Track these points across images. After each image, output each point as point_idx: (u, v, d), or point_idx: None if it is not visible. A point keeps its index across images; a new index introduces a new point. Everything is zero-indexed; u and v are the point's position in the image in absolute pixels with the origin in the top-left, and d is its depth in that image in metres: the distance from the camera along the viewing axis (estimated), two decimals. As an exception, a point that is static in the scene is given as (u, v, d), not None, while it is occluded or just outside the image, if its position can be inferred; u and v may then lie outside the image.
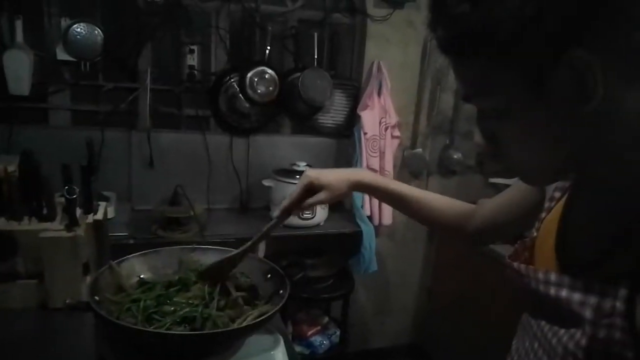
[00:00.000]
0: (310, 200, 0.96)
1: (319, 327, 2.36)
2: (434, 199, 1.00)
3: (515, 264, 0.64)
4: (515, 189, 0.87)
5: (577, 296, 0.54)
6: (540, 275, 0.59)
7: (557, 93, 0.49)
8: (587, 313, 0.52)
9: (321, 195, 0.95)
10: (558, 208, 0.66)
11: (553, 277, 0.57)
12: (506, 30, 0.47)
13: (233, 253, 0.95)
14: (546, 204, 0.70)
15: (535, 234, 0.69)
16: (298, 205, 0.96)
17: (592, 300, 0.52)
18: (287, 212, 0.96)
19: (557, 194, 0.68)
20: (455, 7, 0.49)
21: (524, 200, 0.83)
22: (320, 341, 2.30)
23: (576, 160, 0.55)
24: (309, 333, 2.31)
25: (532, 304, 0.66)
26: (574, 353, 0.54)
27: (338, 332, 2.37)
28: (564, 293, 0.55)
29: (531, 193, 0.81)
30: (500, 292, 2.16)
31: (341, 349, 2.38)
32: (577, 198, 0.63)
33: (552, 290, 0.57)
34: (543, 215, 0.69)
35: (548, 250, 0.63)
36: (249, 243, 0.96)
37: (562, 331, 0.57)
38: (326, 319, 2.43)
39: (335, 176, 0.96)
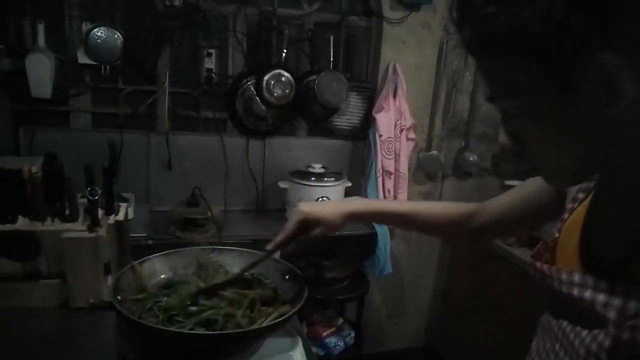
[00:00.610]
0: (304, 236, 0.96)
1: (333, 329, 2.37)
2: (430, 208, 1.01)
3: (538, 264, 0.64)
4: (526, 188, 0.86)
5: (601, 297, 0.54)
6: (564, 276, 0.59)
7: (584, 95, 0.48)
8: (611, 314, 0.52)
9: (317, 232, 0.96)
10: (581, 209, 0.65)
11: (577, 277, 0.57)
12: (534, 32, 0.47)
13: (223, 279, 0.97)
14: (569, 205, 0.69)
15: (557, 234, 0.68)
16: (292, 240, 0.96)
17: (616, 301, 0.52)
18: (280, 246, 0.96)
19: (581, 195, 0.67)
20: (482, 8, 0.49)
21: (535, 200, 0.83)
22: (335, 342, 2.30)
23: (601, 161, 0.54)
24: (324, 334, 2.32)
25: (554, 304, 0.66)
26: (596, 354, 0.54)
27: (353, 334, 2.38)
28: (587, 294, 0.55)
29: (542, 193, 0.80)
30: (516, 295, 2.15)
31: (356, 351, 2.38)
32: (601, 199, 0.63)
33: (576, 291, 0.57)
34: (565, 216, 0.69)
35: (571, 251, 0.63)
36: (239, 272, 0.98)
37: (585, 332, 0.57)
38: (341, 321, 2.43)
39: (329, 210, 0.96)
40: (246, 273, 0.99)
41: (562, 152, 0.55)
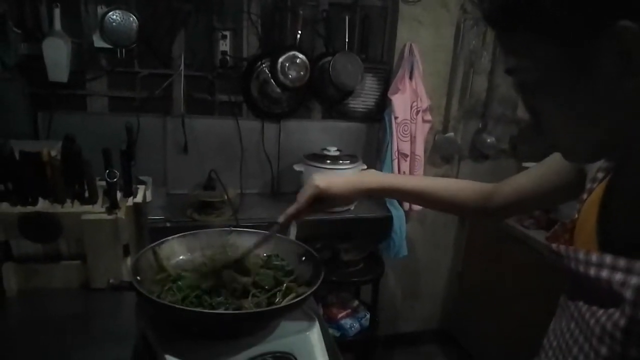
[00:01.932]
0: (319, 209, 0.96)
1: (349, 310, 2.38)
2: (446, 185, 1.00)
3: (554, 246, 0.64)
4: (545, 167, 0.85)
5: (618, 276, 0.54)
6: (581, 256, 0.58)
7: (601, 66, 0.48)
8: (628, 294, 0.52)
9: (329, 206, 0.95)
10: (600, 189, 0.65)
11: (594, 257, 0.57)
12: (551, 2, 0.47)
13: (233, 257, 0.95)
14: (588, 185, 0.69)
15: (576, 215, 0.67)
16: (304, 213, 0.95)
17: (634, 280, 0.52)
18: (292, 219, 0.96)
19: (600, 175, 0.66)
20: None
21: (553, 180, 0.82)
22: (351, 324, 2.32)
23: (620, 137, 0.54)
24: (339, 316, 2.34)
25: (570, 285, 0.66)
26: (611, 333, 0.54)
27: (368, 316, 2.39)
28: (604, 273, 0.55)
29: (561, 173, 0.80)
30: (532, 278, 2.13)
31: (371, 332, 2.40)
32: (620, 179, 0.62)
33: (593, 271, 0.57)
34: (584, 196, 0.68)
35: (589, 231, 0.62)
36: (247, 249, 0.96)
37: (601, 312, 0.57)
38: (356, 303, 2.44)
39: (343, 185, 0.95)
40: (263, 253, 0.99)
41: (580, 127, 0.54)
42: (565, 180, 0.79)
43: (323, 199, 0.94)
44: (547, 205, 0.86)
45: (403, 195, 0.99)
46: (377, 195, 1.05)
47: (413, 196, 0.99)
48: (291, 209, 0.95)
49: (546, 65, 0.52)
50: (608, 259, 0.55)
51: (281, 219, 0.96)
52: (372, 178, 0.99)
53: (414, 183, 0.99)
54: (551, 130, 0.57)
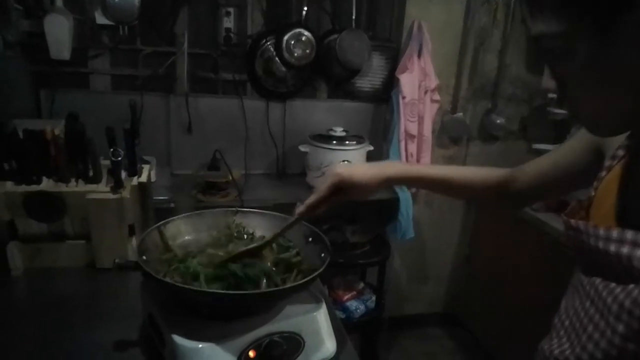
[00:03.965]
0: (338, 199, 0.91)
1: (354, 292, 2.38)
2: (467, 173, 0.97)
3: (573, 221, 0.63)
4: (563, 151, 0.84)
5: (639, 253, 0.53)
6: (602, 232, 0.58)
7: (628, 38, 0.47)
8: None
9: (350, 195, 0.91)
10: (620, 167, 0.64)
11: (615, 233, 0.56)
12: None
13: (253, 246, 0.91)
14: (607, 163, 0.67)
15: (593, 193, 0.66)
16: (324, 203, 0.91)
17: None
18: (312, 209, 0.90)
19: (620, 152, 0.65)
20: None
21: (572, 164, 0.80)
22: (356, 306, 2.32)
23: None
24: (345, 298, 2.33)
25: (587, 262, 0.65)
26: (630, 310, 0.54)
27: (374, 298, 2.39)
28: (625, 249, 0.55)
29: (579, 156, 0.78)
30: (540, 261, 2.12)
31: (376, 314, 2.40)
32: None
33: (613, 247, 0.56)
34: (603, 173, 0.67)
35: (607, 209, 0.62)
36: (267, 238, 0.92)
37: (619, 289, 0.56)
38: (362, 285, 2.44)
39: (366, 174, 0.91)
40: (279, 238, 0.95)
41: (605, 99, 0.54)
42: (585, 162, 0.77)
43: (345, 189, 0.90)
44: (567, 190, 0.84)
45: (427, 184, 0.97)
46: (399, 184, 1.02)
47: (437, 185, 0.97)
48: (311, 199, 0.90)
49: (576, 33, 0.50)
50: (629, 234, 0.55)
51: (300, 209, 0.91)
52: (396, 167, 0.97)
53: (437, 171, 0.96)
54: (576, 101, 0.56)
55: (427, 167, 0.97)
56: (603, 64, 0.51)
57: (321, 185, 0.91)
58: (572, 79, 0.55)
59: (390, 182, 0.95)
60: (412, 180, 0.97)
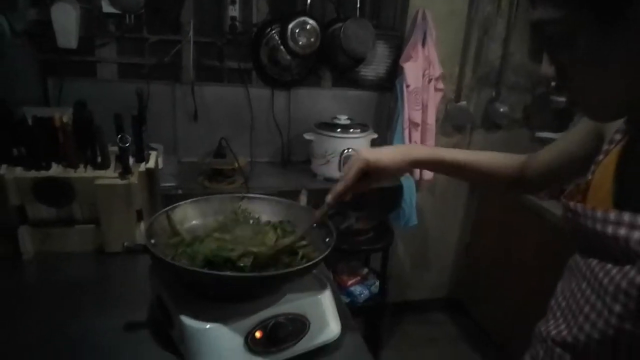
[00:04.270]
0: (365, 184, 0.91)
1: (358, 278, 2.41)
2: (488, 158, 0.98)
3: (572, 204, 0.64)
4: (570, 136, 0.85)
5: (636, 234, 0.54)
6: (599, 214, 0.59)
7: (630, 23, 0.48)
8: None
9: (377, 180, 0.90)
10: (617, 151, 0.64)
11: (612, 215, 0.57)
12: None
13: (284, 243, 0.92)
14: (605, 147, 0.68)
15: (590, 177, 0.67)
16: (352, 190, 0.91)
17: None
18: (340, 198, 0.90)
19: (618, 136, 0.66)
20: None
21: (582, 146, 0.81)
22: (360, 291, 2.35)
23: None
24: (349, 283, 2.37)
25: (584, 244, 0.66)
26: (626, 291, 0.55)
27: (377, 283, 2.41)
28: (622, 231, 0.55)
29: (589, 138, 0.79)
30: (542, 248, 2.13)
31: (380, 299, 2.43)
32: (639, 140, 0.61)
33: (610, 229, 0.57)
34: (600, 157, 0.68)
35: (604, 193, 0.62)
36: (300, 233, 0.93)
37: (615, 270, 0.57)
38: (366, 270, 2.47)
39: (391, 157, 0.91)
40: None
41: (606, 84, 0.54)
42: (590, 148, 0.78)
43: (371, 173, 0.90)
44: (574, 176, 0.85)
45: (447, 167, 0.96)
46: (421, 167, 1.02)
47: (458, 169, 0.97)
48: (339, 186, 0.90)
49: (575, 21, 0.51)
50: (627, 216, 0.55)
51: (329, 198, 0.90)
52: (421, 150, 0.96)
53: (457, 155, 0.96)
54: (576, 87, 0.57)
55: (450, 151, 0.96)
56: (602, 52, 0.51)
57: (348, 172, 0.90)
58: (571, 66, 0.55)
59: (415, 165, 0.95)
60: (435, 161, 0.96)
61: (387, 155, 0.91)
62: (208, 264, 0.84)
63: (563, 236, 0.66)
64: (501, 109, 2.52)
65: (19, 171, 1.13)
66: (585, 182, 0.67)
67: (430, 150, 0.98)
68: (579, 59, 0.54)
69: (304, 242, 0.95)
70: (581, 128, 0.81)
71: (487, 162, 0.97)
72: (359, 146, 2.14)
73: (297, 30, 2.06)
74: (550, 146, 0.91)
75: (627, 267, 0.55)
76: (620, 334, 0.56)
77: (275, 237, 0.95)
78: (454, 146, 2.58)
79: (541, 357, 0.71)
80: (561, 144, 0.87)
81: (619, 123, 0.66)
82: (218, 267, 0.83)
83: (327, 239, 0.93)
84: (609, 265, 0.59)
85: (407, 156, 0.93)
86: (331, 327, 0.90)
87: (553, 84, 0.60)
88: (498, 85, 2.49)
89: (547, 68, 0.59)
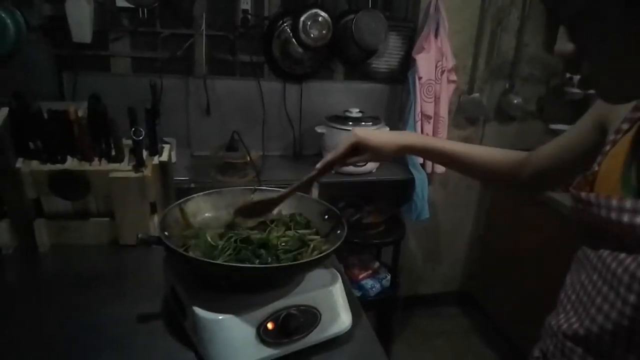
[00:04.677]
0: (355, 158, 0.97)
1: (370, 271, 2.41)
2: (485, 152, 0.98)
3: (584, 194, 0.63)
4: (573, 131, 0.84)
5: None
6: (614, 203, 0.57)
7: None
8: None
9: (366, 156, 0.97)
10: (625, 141, 0.63)
11: (628, 204, 0.56)
12: None
13: (271, 196, 0.99)
14: (611, 137, 0.67)
15: (596, 167, 0.66)
16: (341, 161, 0.98)
17: None
18: (330, 166, 0.97)
19: (625, 126, 0.65)
20: None
21: (583, 141, 0.80)
22: (372, 284, 2.35)
23: None
24: (361, 276, 2.37)
25: (594, 235, 0.65)
26: None
27: (389, 277, 2.41)
28: (639, 219, 0.55)
29: (590, 133, 0.78)
30: (555, 241, 2.11)
31: (391, 293, 2.43)
32: None
33: (626, 217, 0.56)
34: (607, 148, 0.67)
35: (613, 183, 0.62)
36: (288, 190, 0.99)
37: (629, 259, 0.56)
38: (377, 264, 2.47)
39: (383, 139, 0.96)
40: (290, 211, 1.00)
41: (625, 64, 0.53)
42: (591, 142, 0.77)
43: (360, 149, 0.96)
44: (576, 172, 0.84)
45: (442, 157, 0.99)
46: (414, 154, 1.05)
47: (451, 160, 0.99)
48: (329, 156, 0.97)
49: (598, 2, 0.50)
50: None
51: (319, 165, 0.98)
52: (414, 137, 1.01)
53: (453, 147, 0.98)
54: (593, 66, 0.55)
55: (444, 141, 0.99)
56: (625, 29, 0.50)
57: (339, 145, 0.97)
58: (590, 44, 0.54)
59: (405, 150, 0.99)
60: (428, 151, 0.99)
61: (378, 136, 0.97)
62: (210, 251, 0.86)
63: (574, 230, 0.65)
64: (515, 101, 2.49)
65: (35, 164, 1.15)
66: (592, 172, 0.66)
67: (424, 138, 1.02)
68: (598, 37, 0.52)
69: (315, 236, 0.96)
70: (582, 123, 0.80)
71: (482, 155, 0.97)
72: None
73: (309, 23, 2.05)
74: (550, 142, 0.90)
75: None
76: (636, 324, 0.56)
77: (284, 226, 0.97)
78: (467, 138, 2.56)
79: (551, 352, 0.71)
80: (562, 139, 0.87)
81: (625, 112, 0.65)
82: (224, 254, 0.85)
83: (339, 232, 0.93)
84: (622, 255, 0.58)
85: (400, 140, 0.98)
86: (342, 318, 0.90)
87: (571, 76, 0.59)
88: (512, 77, 2.47)
89: (562, 45, 0.57)
